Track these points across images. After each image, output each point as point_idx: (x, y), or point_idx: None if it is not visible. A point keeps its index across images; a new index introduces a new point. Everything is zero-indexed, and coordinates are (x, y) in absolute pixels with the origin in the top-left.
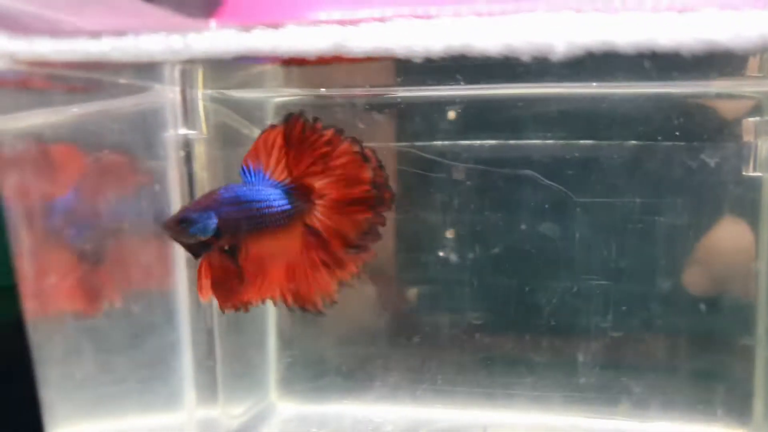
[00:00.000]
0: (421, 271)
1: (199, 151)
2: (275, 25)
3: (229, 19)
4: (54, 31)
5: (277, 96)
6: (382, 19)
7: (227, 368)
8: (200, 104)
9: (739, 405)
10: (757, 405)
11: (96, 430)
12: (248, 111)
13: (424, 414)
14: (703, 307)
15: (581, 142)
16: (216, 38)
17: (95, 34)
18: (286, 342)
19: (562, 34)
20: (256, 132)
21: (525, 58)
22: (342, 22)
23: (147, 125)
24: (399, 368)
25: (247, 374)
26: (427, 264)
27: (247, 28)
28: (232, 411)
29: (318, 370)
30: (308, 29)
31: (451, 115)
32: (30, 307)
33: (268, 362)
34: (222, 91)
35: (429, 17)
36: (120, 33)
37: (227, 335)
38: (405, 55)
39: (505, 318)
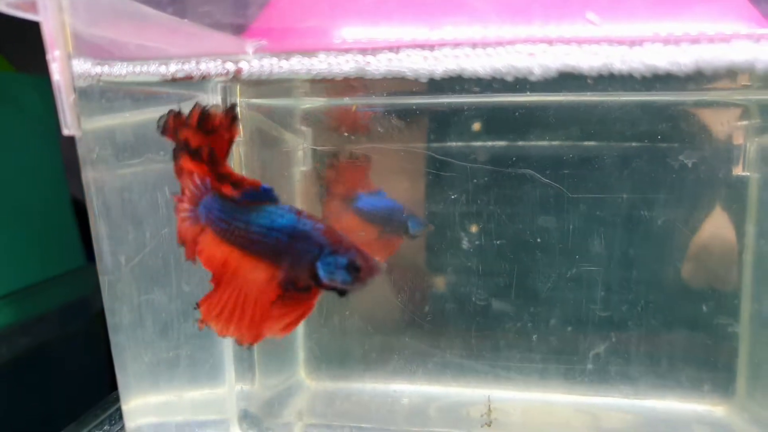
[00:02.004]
0: (436, 259)
1: (238, 152)
2: (308, 52)
3: (258, 36)
4: (122, 52)
5: (305, 104)
6: (394, 47)
7: (261, 346)
8: (238, 111)
9: (724, 383)
10: (740, 382)
11: (156, 396)
12: (280, 116)
13: (435, 390)
14: (693, 295)
15: (584, 143)
16: (262, 63)
17: (164, 60)
18: (312, 324)
19: (537, 61)
20: (284, 134)
21: (509, 78)
22: (363, 49)
23: None
24: (414, 348)
25: (279, 353)
26: (440, 253)
27: (287, 56)
28: (265, 386)
29: (342, 350)
30: (336, 56)
31: (476, 126)
32: None
33: (297, 343)
34: (256, 99)
35: (432, 45)
36: (184, 58)
37: None
38: (413, 76)
39: (508, 302)
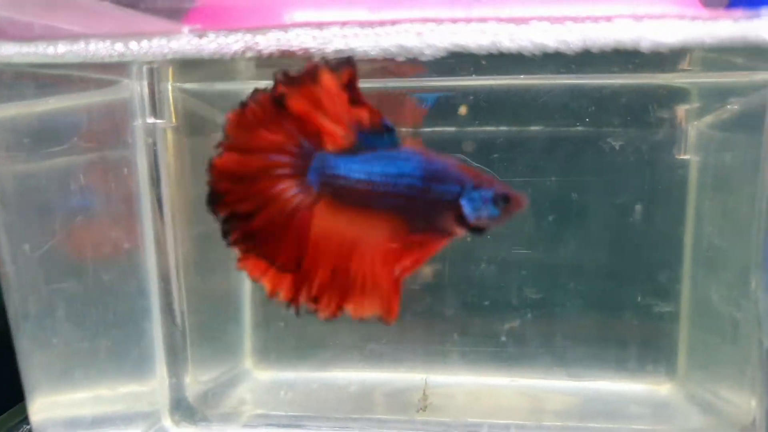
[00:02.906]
0: None
1: (169, 139)
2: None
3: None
4: (23, 33)
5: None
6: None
7: (198, 336)
8: (170, 96)
9: (666, 363)
10: (681, 362)
11: (71, 395)
12: (223, 101)
13: (383, 377)
14: (635, 277)
15: (531, 128)
16: (169, 42)
17: (51, 39)
18: (260, 313)
19: (425, 40)
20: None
21: (400, 59)
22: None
23: (116, 116)
24: (361, 336)
25: (220, 343)
26: None
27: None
28: (202, 377)
29: (291, 339)
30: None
31: (463, 110)
32: None
33: (243, 332)
34: (192, 84)
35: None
36: (74, 38)
37: (198, 305)
38: (303, 56)
39: (442, 286)
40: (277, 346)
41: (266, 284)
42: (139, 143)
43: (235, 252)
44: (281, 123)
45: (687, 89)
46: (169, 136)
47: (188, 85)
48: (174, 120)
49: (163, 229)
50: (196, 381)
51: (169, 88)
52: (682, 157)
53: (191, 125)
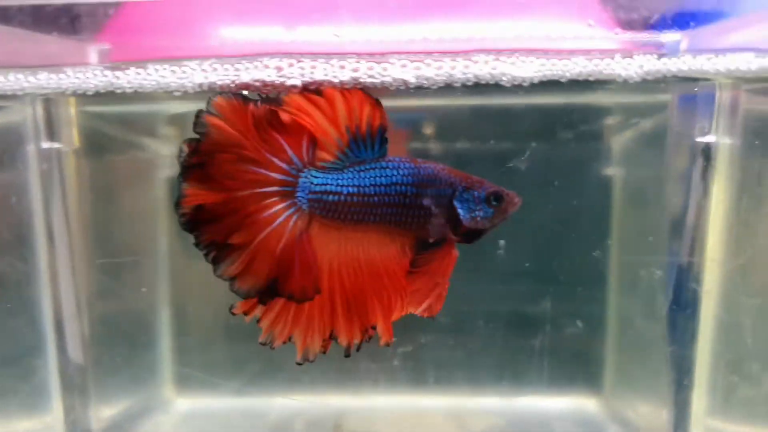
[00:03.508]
0: None
1: (70, 162)
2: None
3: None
4: None
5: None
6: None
7: (104, 367)
8: (72, 118)
9: (593, 380)
10: (608, 377)
11: None
12: (137, 122)
13: (302, 404)
14: (562, 294)
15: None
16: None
17: None
18: (180, 341)
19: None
20: (141, 140)
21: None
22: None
23: (4, 140)
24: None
25: (132, 373)
26: None
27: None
28: (109, 409)
29: (212, 367)
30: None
31: (428, 129)
32: None
33: (161, 360)
34: (98, 106)
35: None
36: None
37: (104, 335)
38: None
39: None
40: (198, 375)
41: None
42: (33, 168)
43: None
44: (267, 139)
45: (608, 105)
46: (71, 159)
47: (93, 108)
48: (76, 142)
49: (55, 258)
50: (100, 414)
51: (72, 111)
52: (606, 172)
53: (97, 147)
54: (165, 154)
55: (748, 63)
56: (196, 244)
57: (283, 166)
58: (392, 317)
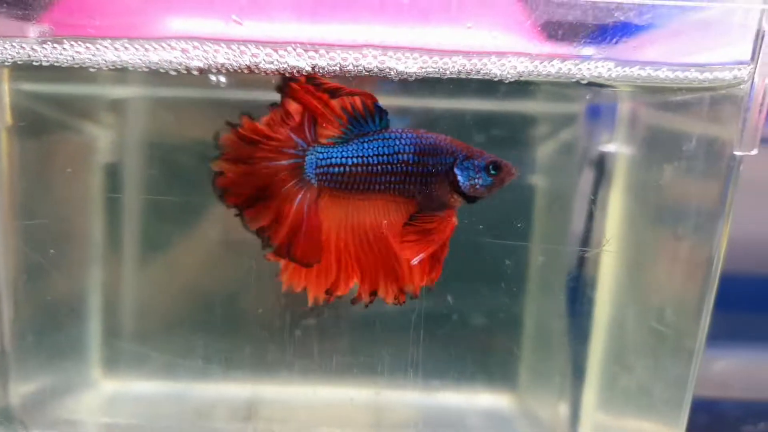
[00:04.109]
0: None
1: (2, 140)
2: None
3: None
4: None
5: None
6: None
7: (27, 346)
8: (6, 96)
9: (509, 376)
10: (523, 374)
11: None
12: (76, 105)
13: (228, 390)
14: (480, 290)
15: None
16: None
17: None
18: (111, 324)
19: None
20: (82, 124)
21: (173, 72)
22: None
23: None
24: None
25: (58, 352)
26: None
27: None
28: (28, 386)
29: (141, 351)
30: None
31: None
32: None
33: (89, 342)
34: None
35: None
36: None
37: (29, 314)
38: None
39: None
40: (127, 357)
41: (311, 287)
42: None
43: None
44: (273, 128)
45: (533, 115)
46: (2, 137)
47: (30, 87)
48: (9, 120)
49: None
50: (19, 390)
51: (6, 89)
52: (530, 180)
53: (31, 127)
54: (103, 140)
55: (608, 70)
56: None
57: (290, 151)
58: (399, 279)
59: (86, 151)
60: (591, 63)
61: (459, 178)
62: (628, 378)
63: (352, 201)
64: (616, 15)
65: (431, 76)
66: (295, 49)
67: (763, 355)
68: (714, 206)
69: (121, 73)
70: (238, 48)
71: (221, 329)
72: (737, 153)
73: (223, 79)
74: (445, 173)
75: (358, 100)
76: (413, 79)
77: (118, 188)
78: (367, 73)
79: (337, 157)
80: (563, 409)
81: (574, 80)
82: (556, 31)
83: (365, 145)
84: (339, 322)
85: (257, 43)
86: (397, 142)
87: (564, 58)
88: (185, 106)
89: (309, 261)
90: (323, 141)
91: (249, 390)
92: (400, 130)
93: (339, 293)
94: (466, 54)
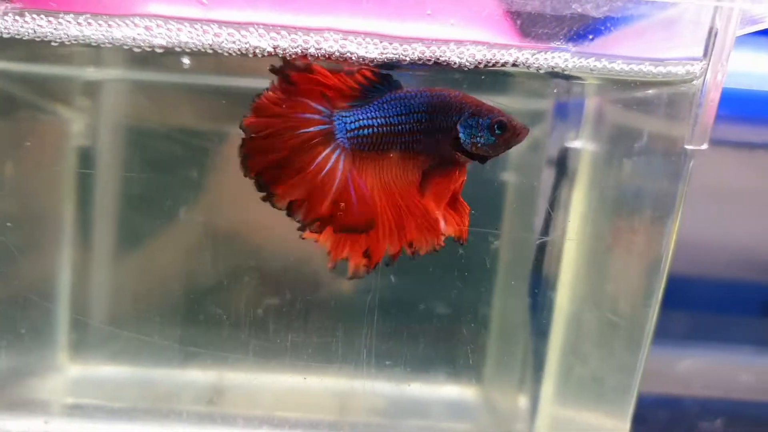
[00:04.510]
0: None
1: None
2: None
3: None
4: None
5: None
6: None
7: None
8: None
9: (475, 368)
10: (489, 365)
11: None
12: (48, 86)
13: (193, 375)
14: (450, 283)
15: None
16: None
17: None
18: (79, 308)
19: None
20: (53, 106)
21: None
22: None
23: None
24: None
25: (23, 335)
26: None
27: None
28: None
29: (109, 336)
30: None
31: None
32: None
33: (56, 326)
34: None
35: None
36: None
37: None
38: None
39: (252, 285)
40: (94, 341)
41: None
42: None
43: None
44: (295, 100)
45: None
46: None
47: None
48: None
49: None
50: None
51: None
52: (501, 176)
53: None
54: (76, 123)
55: (565, 61)
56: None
57: (316, 117)
58: (429, 233)
59: (60, 134)
60: (548, 54)
61: (461, 135)
62: (583, 368)
63: (378, 161)
64: (573, 6)
65: (392, 61)
66: (257, 30)
67: (724, 355)
68: (667, 201)
69: (95, 55)
70: (201, 27)
71: (187, 314)
72: (688, 147)
73: (187, 60)
74: (450, 129)
75: (365, 72)
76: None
77: (88, 171)
78: (327, 56)
79: (364, 119)
80: (523, 401)
81: (531, 69)
82: (515, 20)
83: (385, 105)
84: (308, 310)
85: (220, 23)
86: (414, 101)
87: (521, 48)
88: (161, 91)
89: (365, 227)
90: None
91: (213, 374)
92: (413, 90)
93: (376, 257)
94: (426, 41)
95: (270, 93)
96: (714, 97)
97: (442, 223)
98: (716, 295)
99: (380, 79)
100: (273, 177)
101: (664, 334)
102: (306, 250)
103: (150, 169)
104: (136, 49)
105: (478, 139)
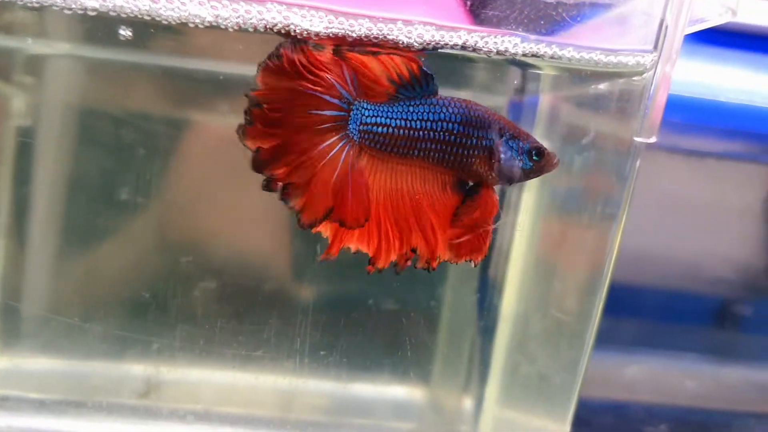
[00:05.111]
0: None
1: None
2: None
3: None
4: None
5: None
6: None
7: None
8: None
9: (424, 369)
10: (437, 367)
11: None
12: None
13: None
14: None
15: None
16: None
17: None
18: (9, 300)
19: None
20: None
21: None
22: None
23: None
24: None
25: None
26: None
27: None
28: None
29: (40, 328)
30: None
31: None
32: None
33: None
34: None
35: None
36: None
37: None
38: None
39: (192, 282)
40: (25, 333)
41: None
42: None
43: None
44: (321, 73)
45: None
46: None
47: None
48: None
49: None
50: None
51: None
52: None
53: None
54: (16, 100)
55: (514, 45)
56: (264, 184)
57: (335, 101)
58: (433, 245)
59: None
60: (498, 38)
61: (502, 156)
62: (529, 367)
63: (390, 163)
64: None
65: (336, 35)
66: None
67: (670, 362)
68: (615, 197)
69: (39, 26)
70: None
71: (123, 304)
72: (637, 139)
73: (128, 32)
74: (488, 149)
75: (404, 69)
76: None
77: (27, 155)
78: (270, 27)
79: (383, 116)
80: (468, 402)
81: (481, 54)
82: (465, 2)
83: (411, 108)
84: (254, 306)
85: None
86: (445, 110)
87: (470, 31)
88: (114, 70)
89: (358, 223)
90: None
91: (149, 367)
92: (449, 99)
93: (381, 265)
94: (372, 18)
95: (291, 54)
96: (664, 90)
97: (455, 240)
98: (664, 304)
99: (423, 78)
100: (272, 155)
101: (611, 340)
102: (248, 241)
103: (89, 153)
104: (66, 11)
105: (517, 162)
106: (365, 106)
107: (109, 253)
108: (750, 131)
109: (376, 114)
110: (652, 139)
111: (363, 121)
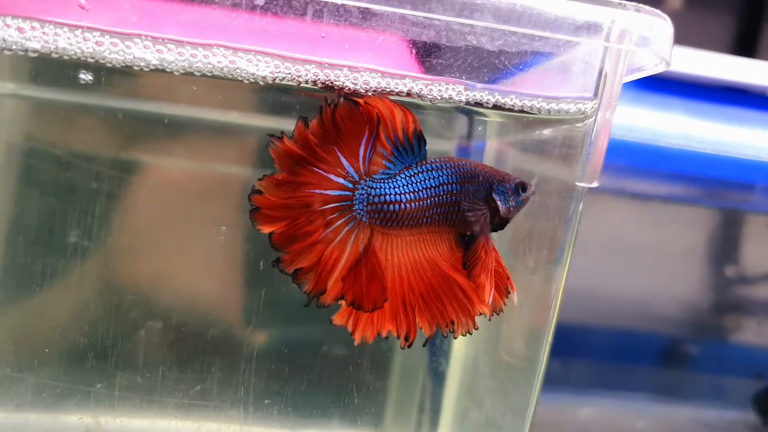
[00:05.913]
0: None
1: None
2: None
3: None
4: None
5: None
6: None
7: None
8: None
9: (377, 413)
10: (389, 411)
11: None
12: None
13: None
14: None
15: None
16: None
17: None
18: None
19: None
20: None
21: None
22: None
23: None
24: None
25: None
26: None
27: None
28: None
29: None
30: None
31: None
32: None
33: None
34: None
35: None
36: None
37: None
38: None
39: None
40: None
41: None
42: None
43: None
44: (323, 146)
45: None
46: None
47: None
48: None
49: None
50: None
51: None
52: None
53: None
54: None
55: (458, 93)
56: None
57: (340, 181)
58: (469, 309)
59: None
60: (442, 85)
61: (499, 202)
62: (478, 412)
63: (402, 237)
64: (468, 39)
65: (283, 81)
66: (142, 41)
67: (622, 403)
68: (559, 239)
69: None
70: (82, 34)
71: (58, 354)
72: (579, 184)
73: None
74: (485, 199)
75: (400, 128)
76: (264, 83)
77: None
78: (217, 72)
79: (391, 193)
80: None
81: (425, 101)
82: (411, 50)
83: (413, 179)
84: (197, 353)
85: (102, 31)
86: (441, 173)
87: (415, 78)
88: (61, 111)
89: (375, 306)
90: (373, 171)
91: (87, 417)
92: (438, 160)
93: (413, 337)
94: (319, 64)
95: (304, 129)
96: (604, 135)
97: (489, 297)
98: (614, 344)
99: (418, 142)
100: (282, 238)
101: (564, 381)
102: (193, 287)
103: (30, 194)
104: (7, 52)
105: (510, 203)
106: (372, 185)
107: (47, 299)
108: (691, 175)
109: (383, 192)
110: (594, 184)
111: (370, 201)
